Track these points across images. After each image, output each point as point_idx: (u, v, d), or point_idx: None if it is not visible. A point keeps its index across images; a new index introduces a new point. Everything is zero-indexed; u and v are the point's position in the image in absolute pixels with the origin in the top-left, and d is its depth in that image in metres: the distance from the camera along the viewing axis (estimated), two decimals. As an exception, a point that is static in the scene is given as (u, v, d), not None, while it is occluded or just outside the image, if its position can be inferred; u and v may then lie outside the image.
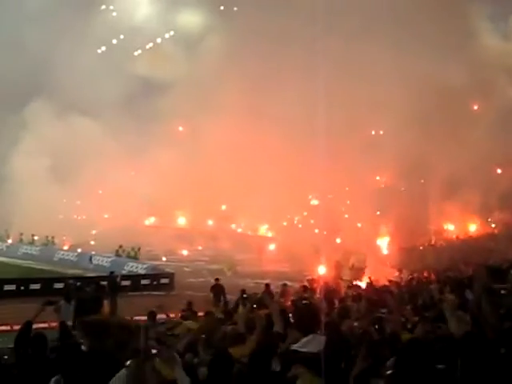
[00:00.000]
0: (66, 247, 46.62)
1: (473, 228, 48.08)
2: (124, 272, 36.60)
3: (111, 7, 58.22)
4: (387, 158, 40.80)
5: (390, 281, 26.21)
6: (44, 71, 49.85)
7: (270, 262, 41.17)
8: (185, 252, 49.55)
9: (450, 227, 48.71)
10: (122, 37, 57.23)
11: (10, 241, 49.00)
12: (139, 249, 42.54)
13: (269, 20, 45.40)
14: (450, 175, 41.65)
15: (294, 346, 6.95)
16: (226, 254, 42.76)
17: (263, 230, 55.32)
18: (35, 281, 31.91)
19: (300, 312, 10.86)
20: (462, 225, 48.27)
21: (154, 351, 6.62)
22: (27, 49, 48.84)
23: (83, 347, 7.49)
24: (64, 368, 7.05)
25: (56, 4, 50.53)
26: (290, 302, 19.58)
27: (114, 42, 57.16)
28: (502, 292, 15.89)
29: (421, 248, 42.95)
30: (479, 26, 48.67)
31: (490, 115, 44.58)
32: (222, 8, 55.80)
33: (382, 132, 45.81)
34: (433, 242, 45.82)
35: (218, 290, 26.91)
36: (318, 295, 21.62)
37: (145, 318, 15.44)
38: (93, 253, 42.16)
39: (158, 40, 58.77)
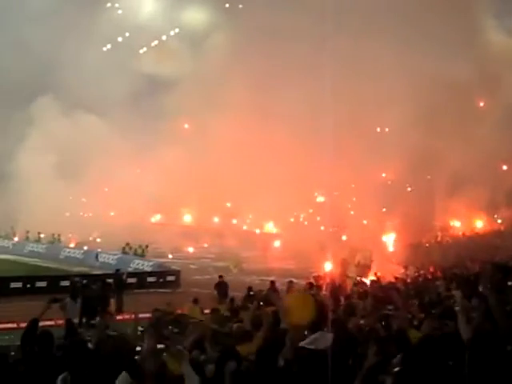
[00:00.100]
0: (72, 245, 46.65)
1: (479, 225, 48.02)
2: (130, 269, 36.64)
3: (116, 5, 58.19)
4: (393, 155, 40.73)
5: (396, 278, 26.17)
6: (50, 69, 49.85)
7: (276, 259, 41.12)
8: (191, 249, 49.59)
9: (456, 224, 48.66)
10: (127, 34, 57.22)
11: (16, 238, 49.03)
12: (147, 246, 42.55)
13: (274, 17, 45.38)
14: (456, 172, 41.58)
15: (302, 343, 6.95)
16: (231, 252, 42.78)
17: (269, 227, 55.31)
18: (41, 278, 31.95)
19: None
20: (468, 221, 48.22)
21: (162, 346, 6.63)
22: (33, 47, 48.81)
23: (90, 345, 7.50)
24: (71, 365, 7.05)
25: (61, 2, 50.56)
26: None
27: (120, 39, 57.13)
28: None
29: (427, 245, 42.91)
30: (484, 23, 48.52)
31: (495, 112, 44.48)
32: (227, 5, 55.81)
33: (387, 129, 45.69)
34: (439, 239, 45.79)
35: (222, 287, 26.93)
36: (324, 292, 21.60)
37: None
38: (99, 250, 42.20)
39: (164, 37, 58.75)
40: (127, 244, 42.25)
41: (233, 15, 53.56)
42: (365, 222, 43.09)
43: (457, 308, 8.41)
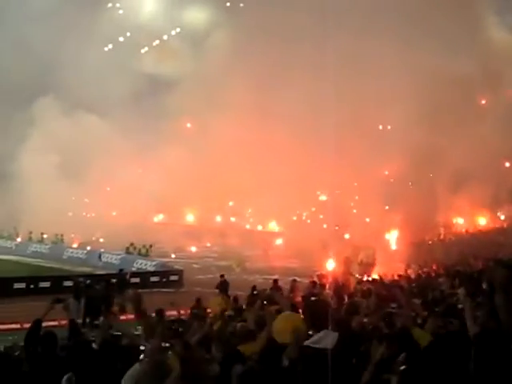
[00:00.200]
0: (75, 245, 46.70)
1: (482, 222, 47.98)
2: (133, 269, 36.66)
3: (117, 5, 58.18)
4: (395, 153, 40.67)
5: (399, 275, 26.16)
6: (51, 69, 49.83)
7: (279, 258, 41.17)
8: (193, 249, 49.62)
9: (459, 221, 48.62)
10: (128, 34, 57.20)
11: (19, 239, 49.08)
12: (151, 246, 42.59)
13: (275, 16, 45.32)
14: (459, 169, 41.54)
15: (307, 342, 6.94)
16: (234, 251, 42.78)
17: (272, 226, 55.32)
18: (44, 279, 31.97)
19: (310, 308, 10.83)
20: (471, 219, 48.17)
21: (167, 345, 6.64)
22: (34, 47, 48.83)
23: (94, 345, 7.50)
24: (76, 366, 7.06)
25: (62, 2, 50.57)
26: (299, 298, 19.57)
27: (121, 39, 57.11)
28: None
29: (430, 242, 42.89)
30: (486, 20, 48.44)
31: (498, 109, 44.42)
32: (228, 4, 55.79)
33: (389, 127, 45.63)
34: (442, 237, 45.75)
35: (224, 286, 26.98)
36: (327, 291, 21.58)
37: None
38: (102, 250, 42.23)
39: (165, 37, 58.72)
40: (131, 244, 42.31)
41: (234, 14, 53.54)
42: (367, 220, 43.02)
43: (460, 306, 8.41)
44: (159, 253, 44.10)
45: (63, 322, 10.16)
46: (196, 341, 9.10)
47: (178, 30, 58.81)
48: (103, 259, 40.53)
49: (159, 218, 59.76)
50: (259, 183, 45.51)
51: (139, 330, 11.16)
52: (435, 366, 6.00)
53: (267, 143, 45.89)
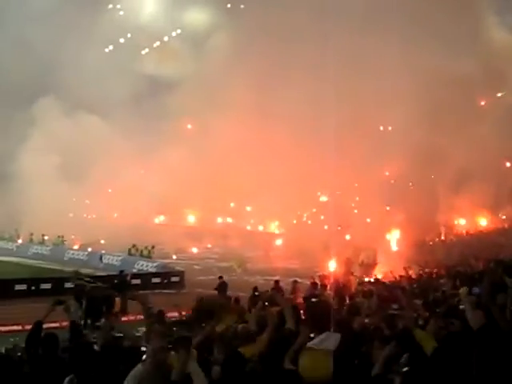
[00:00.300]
0: (76, 246, 46.71)
1: (483, 223, 47.95)
2: (134, 271, 36.65)
3: (118, 6, 58.18)
4: (396, 154, 40.65)
5: (401, 276, 26.13)
6: (52, 70, 49.86)
7: (280, 259, 41.14)
8: (195, 250, 49.64)
9: (460, 222, 48.61)
10: (129, 35, 57.25)
11: (20, 241, 49.11)
12: (153, 247, 42.62)
13: (275, 17, 45.31)
14: (460, 169, 41.53)
15: (310, 344, 6.93)
16: (235, 252, 42.78)
17: (273, 227, 55.33)
18: (46, 280, 31.93)
19: (312, 309, 10.83)
20: (472, 219, 48.15)
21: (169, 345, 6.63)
22: (35, 48, 48.87)
23: (95, 347, 7.49)
24: (77, 368, 7.05)
25: (63, 3, 50.60)
26: (300, 299, 19.56)
27: (122, 40, 57.16)
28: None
29: (431, 243, 42.87)
30: (486, 19, 48.40)
31: (498, 109, 44.40)
32: (228, 6, 55.76)
33: (390, 128, 45.61)
34: (443, 237, 45.74)
35: (222, 287, 27.01)
36: (328, 292, 21.57)
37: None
38: (103, 252, 42.20)
39: (166, 38, 58.73)
40: (133, 246, 42.33)
41: (234, 15, 53.54)
42: (368, 220, 43.02)
43: (461, 307, 8.41)
44: (160, 254, 44.11)
45: (64, 324, 10.15)
46: (197, 342, 9.08)
47: (179, 31, 58.80)
48: (104, 261, 40.45)
49: (160, 219, 59.81)
50: (260, 184, 45.53)
51: (140, 332, 11.18)
52: (441, 372, 6.01)
53: (268, 144, 45.88)
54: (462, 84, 41.51)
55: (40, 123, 50.60)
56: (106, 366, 7.00)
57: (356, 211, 44.40)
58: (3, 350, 12.61)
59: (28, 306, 22.13)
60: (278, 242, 49.33)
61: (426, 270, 30.00)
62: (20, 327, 19.53)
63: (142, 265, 39.14)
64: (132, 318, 19.19)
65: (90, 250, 44.69)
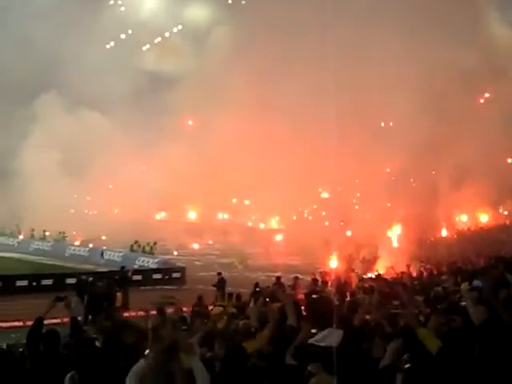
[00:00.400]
0: (77, 242, 46.74)
1: (484, 219, 47.92)
2: (135, 267, 36.68)
3: (119, 2, 58.16)
4: (397, 150, 40.59)
5: (402, 273, 26.13)
6: (53, 66, 49.84)
7: (281, 255, 41.16)
8: (196, 246, 49.66)
9: (461, 218, 48.57)
10: (130, 31, 57.15)
11: (21, 237, 49.13)
12: (155, 243, 42.57)
13: (277, 13, 45.23)
14: (461, 166, 41.46)
15: (312, 340, 6.92)
16: (236, 248, 42.76)
17: (274, 223, 55.32)
18: (47, 276, 31.99)
19: (313, 305, 10.83)
20: (473, 216, 48.11)
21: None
22: (36, 44, 48.83)
23: (97, 343, 7.48)
24: (79, 364, 7.04)
25: (64, 0, 50.58)
26: (302, 295, 19.58)
27: (123, 36, 57.04)
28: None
29: (432, 239, 42.83)
30: (488, 13, 48.32)
31: (500, 105, 44.28)
32: (229, 1, 55.71)
33: (391, 123, 45.55)
34: (444, 234, 45.69)
35: (221, 284, 27.04)
36: (329, 288, 21.60)
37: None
38: (104, 248, 42.21)
39: (167, 34, 58.62)
40: (135, 242, 42.29)
41: (235, 11, 53.46)
42: (369, 216, 42.98)
43: (463, 303, 8.41)
44: (161, 250, 44.12)
45: (66, 320, 10.14)
46: (198, 338, 9.09)
47: (180, 27, 58.71)
48: (105, 256, 40.50)
49: (161, 215, 59.82)
50: (261, 179, 45.47)
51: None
52: (444, 369, 6.00)
53: (269, 140, 45.80)
54: (464, 78, 41.45)
55: (41, 119, 50.60)
56: (108, 362, 6.98)
57: (357, 207, 44.36)
58: (5, 346, 12.61)
59: (29, 302, 22.12)
60: (279, 237, 49.35)
61: (427, 266, 29.98)
62: (21, 323, 19.56)
63: (143, 261, 39.18)
64: (133, 313, 19.19)
65: (91, 246, 44.75)
